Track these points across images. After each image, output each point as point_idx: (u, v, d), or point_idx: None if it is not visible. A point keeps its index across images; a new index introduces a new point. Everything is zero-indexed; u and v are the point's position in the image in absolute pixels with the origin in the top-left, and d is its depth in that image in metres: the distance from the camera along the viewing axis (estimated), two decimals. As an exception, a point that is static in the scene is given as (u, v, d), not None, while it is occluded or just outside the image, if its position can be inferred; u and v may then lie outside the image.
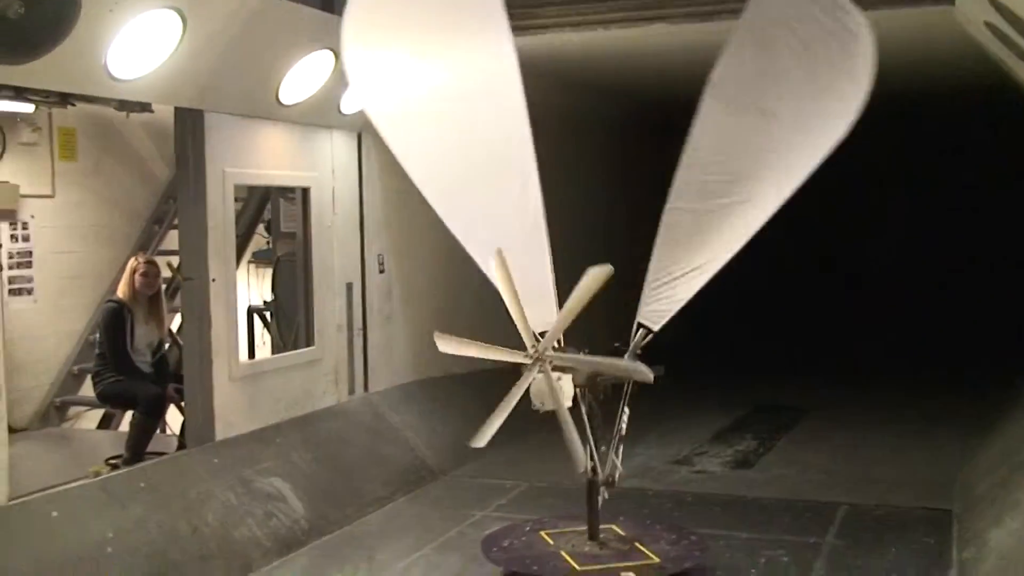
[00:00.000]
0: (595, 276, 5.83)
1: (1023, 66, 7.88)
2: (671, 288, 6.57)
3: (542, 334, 6.31)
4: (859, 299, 18.59)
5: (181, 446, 7.95)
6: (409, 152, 6.65)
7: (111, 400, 8.57)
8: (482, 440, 6.03)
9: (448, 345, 6.04)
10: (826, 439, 10.66)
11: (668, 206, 6.65)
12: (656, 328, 6.68)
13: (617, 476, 6.67)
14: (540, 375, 6.22)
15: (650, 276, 6.67)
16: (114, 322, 8.21)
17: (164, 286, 9.75)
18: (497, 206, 6.74)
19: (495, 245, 6.22)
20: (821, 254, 19.08)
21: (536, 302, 6.32)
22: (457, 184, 6.79)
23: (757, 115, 6.42)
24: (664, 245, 6.65)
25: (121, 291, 8.35)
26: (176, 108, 7.68)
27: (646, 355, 6.80)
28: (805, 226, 18.91)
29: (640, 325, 6.70)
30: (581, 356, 6.34)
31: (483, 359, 6.24)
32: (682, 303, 6.54)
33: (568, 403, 6.32)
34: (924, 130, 17.32)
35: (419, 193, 10.16)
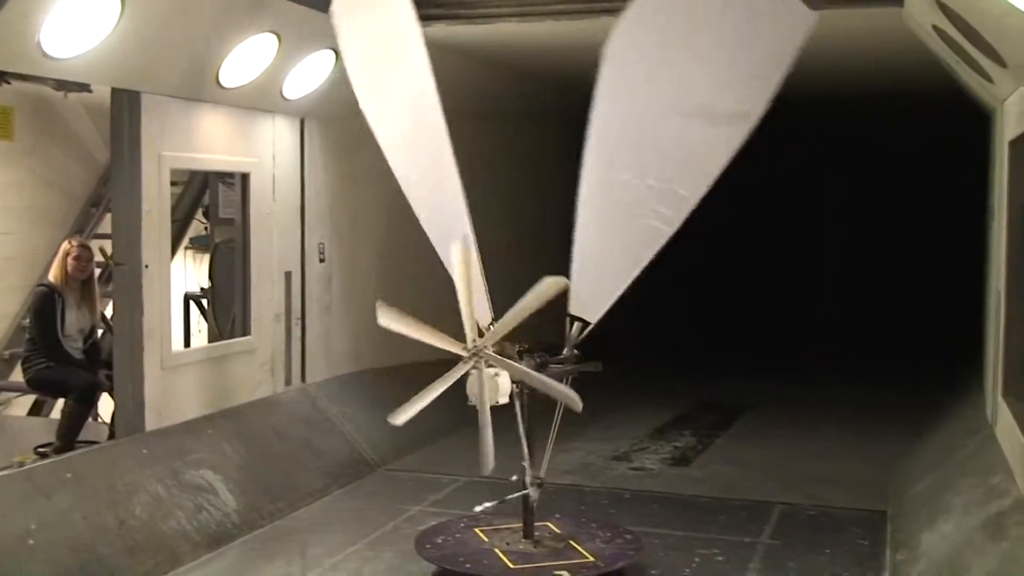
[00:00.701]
0: (550, 285, 5.77)
1: (969, 71, 7.91)
2: (601, 279, 6.48)
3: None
4: (809, 296, 18.73)
5: (113, 435, 7.77)
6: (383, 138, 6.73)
7: (42, 387, 8.38)
8: (400, 418, 6.00)
9: (389, 318, 5.93)
10: (766, 436, 10.70)
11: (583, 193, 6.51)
12: (593, 321, 6.62)
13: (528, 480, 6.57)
14: (477, 370, 6.13)
15: (576, 265, 6.54)
16: (44, 307, 8.01)
17: (99, 271, 9.58)
18: (435, 195, 6.67)
19: (442, 234, 6.21)
20: (772, 251, 19.18)
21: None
22: (410, 173, 6.80)
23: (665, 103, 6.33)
24: (586, 234, 6.54)
25: (53, 275, 8.15)
26: (112, 89, 7.48)
27: (586, 348, 6.76)
28: (754, 223, 19.10)
29: (574, 318, 6.63)
30: (515, 364, 6.23)
31: (425, 351, 6.15)
32: (616, 295, 6.47)
33: (504, 399, 6.25)
34: (874, 129, 17.44)
35: (363, 180, 10.15)
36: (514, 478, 6.58)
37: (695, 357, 15.20)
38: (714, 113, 6.17)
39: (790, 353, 15.81)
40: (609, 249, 6.50)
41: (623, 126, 6.36)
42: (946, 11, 6.64)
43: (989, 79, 7.51)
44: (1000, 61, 6.72)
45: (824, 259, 19.35)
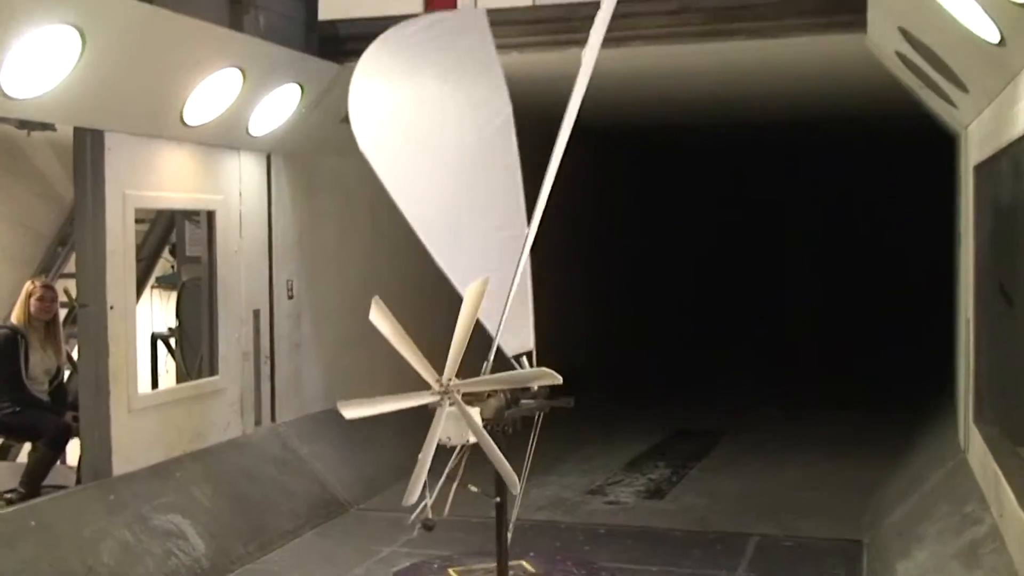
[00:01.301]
0: (475, 292, 5.74)
1: (932, 96, 7.96)
2: (506, 310, 6.52)
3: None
4: (781, 322, 18.79)
5: (79, 480, 7.63)
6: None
7: (10, 432, 8.26)
8: (411, 498, 5.87)
9: (352, 410, 5.92)
10: (740, 465, 10.66)
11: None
12: (531, 347, 6.67)
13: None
14: (451, 408, 6.06)
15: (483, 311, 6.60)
16: (7, 349, 7.88)
17: (67, 311, 9.46)
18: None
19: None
20: (742, 274, 19.25)
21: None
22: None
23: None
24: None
25: (16, 316, 8.03)
26: (75, 128, 7.40)
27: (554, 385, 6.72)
28: (725, 251, 19.18)
29: (517, 357, 6.67)
30: (486, 376, 6.18)
31: (397, 387, 6.07)
32: (530, 314, 6.59)
33: (473, 439, 6.15)
34: (839, 155, 17.55)
35: (332, 215, 10.09)
36: (473, 488, 6.45)
37: (670, 384, 15.17)
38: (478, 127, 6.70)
39: (763, 378, 15.80)
40: (495, 280, 6.53)
41: (417, 181, 6.74)
42: (908, 37, 6.69)
43: (952, 104, 7.56)
44: (962, 87, 6.77)
45: (794, 282, 19.43)
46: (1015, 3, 4.47)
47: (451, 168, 6.98)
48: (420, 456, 5.89)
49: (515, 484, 6.01)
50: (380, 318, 5.81)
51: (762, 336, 18.20)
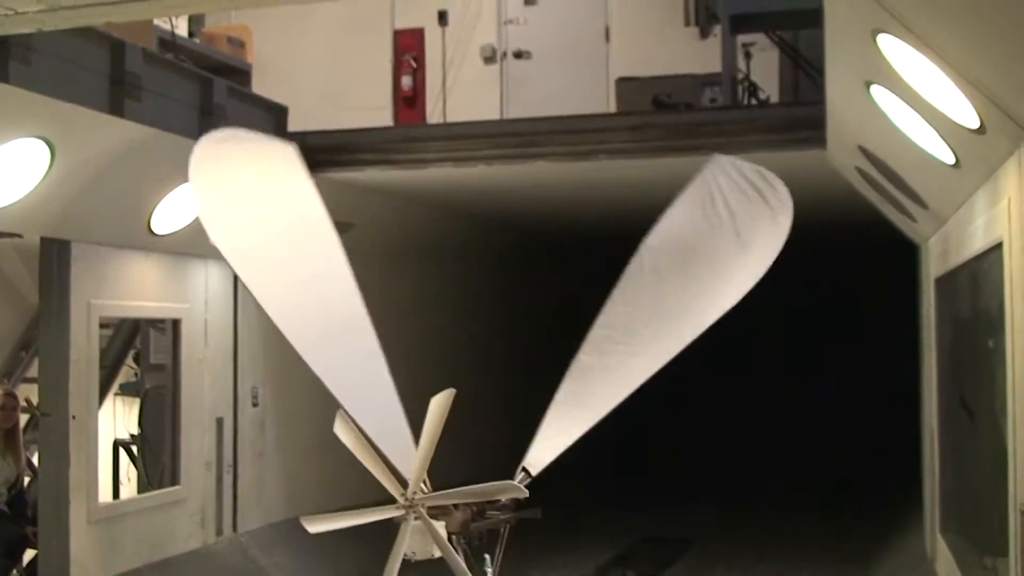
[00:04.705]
0: (440, 404, 5.72)
1: (892, 210, 8.10)
2: (557, 437, 6.45)
3: None
4: (751, 428, 18.77)
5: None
6: (263, 295, 6.50)
7: (-35, 541, 8.07)
8: (314, 527, 5.87)
9: (317, 525, 5.86)
10: (710, 574, 10.54)
11: (577, 360, 6.55)
12: (535, 473, 6.55)
13: None
14: (415, 522, 6.00)
15: (546, 423, 6.50)
16: (-34, 458, 7.77)
17: (28, 417, 9.34)
18: (342, 354, 6.59)
19: (348, 388, 6.22)
20: (711, 386, 19.27)
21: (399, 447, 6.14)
22: (306, 327, 6.58)
23: (677, 276, 6.48)
24: (565, 398, 6.54)
25: (-25, 424, 7.92)
26: (41, 238, 7.41)
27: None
28: (694, 357, 19.25)
29: (523, 468, 6.58)
30: (439, 536, 6.11)
31: (362, 496, 6.04)
32: (560, 451, 6.42)
33: (438, 553, 6.09)
34: (803, 264, 17.72)
35: (297, 323, 10.05)
36: None
37: (640, 490, 15.07)
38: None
39: (732, 482, 15.72)
40: (579, 419, 6.48)
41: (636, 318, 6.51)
42: (868, 155, 6.84)
43: (912, 218, 7.69)
44: (921, 203, 6.90)
45: (763, 387, 19.47)
46: (967, 129, 4.60)
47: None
48: (385, 572, 5.83)
49: None
50: (344, 431, 5.80)
51: (730, 443, 18.17)
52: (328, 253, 6.50)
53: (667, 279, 6.52)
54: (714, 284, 6.39)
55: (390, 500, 6.05)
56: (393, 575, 5.78)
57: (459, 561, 5.92)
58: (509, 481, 5.91)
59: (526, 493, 6.01)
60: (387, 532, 5.91)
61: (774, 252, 6.22)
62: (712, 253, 6.45)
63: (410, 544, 5.98)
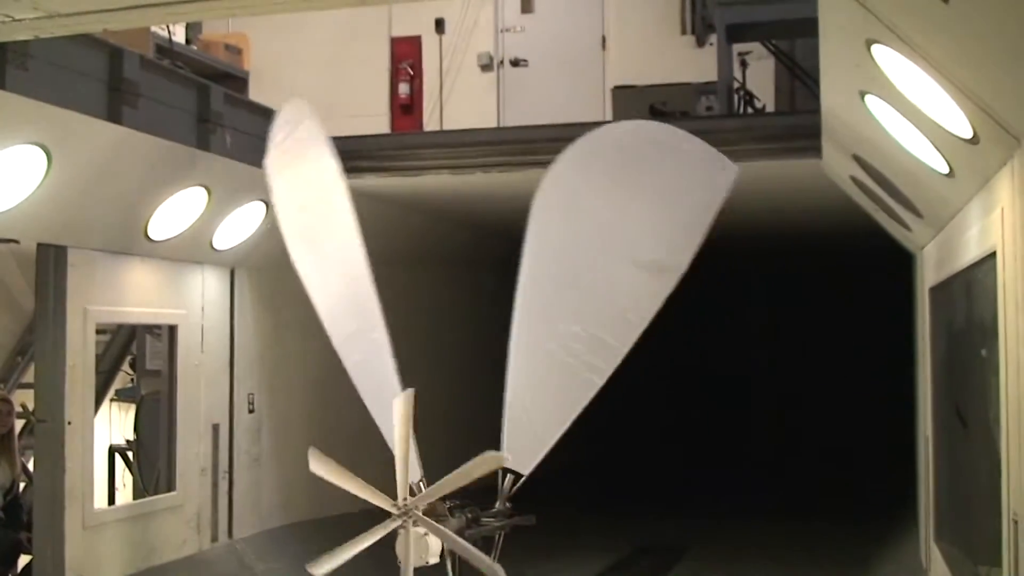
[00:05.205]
0: (488, 460, 5.69)
1: (887, 219, 8.12)
2: (533, 431, 6.43)
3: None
4: (745, 433, 18.79)
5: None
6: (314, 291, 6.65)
7: (-40, 546, 8.07)
8: (320, 570, 5.79)
9: (321, 466, 5.80)
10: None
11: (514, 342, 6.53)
12: (526, 472, 6.56)
13: None
14: (415, 529, 6.00)
15: (508, 416, 6.50)
16: (-39, 464, 7.77)
17: (23, 423, 9.34)
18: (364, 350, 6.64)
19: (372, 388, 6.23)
20: (707, 388, 19.28)
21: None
22: (340, 327, 6.71)
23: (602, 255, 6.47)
24: (518, 385, 6.52)
25: (-30, 429, 7.93)
26: (38, 244, 7.42)
27: (519, 494, 6.66)
28: (689, 362, 19.26)
29: (506, 470, 6.56)
30: (443, 529, 6.10)
31: (359, 501, 6.02)
32: (547, 447, 6.42)
33: (435, 559, 6.09)
34: (798, 272, 17.75)
35: (294, 329, 10.09)
36: None
37: (634, 497, 15.05)
38: (642, 264, 6.27)
39: (725, 488, 15.72)
40: (542, 401, 6.48)
41: (553, 278, 6.44)
42: (863, 164, 6.86)
43: (907, 227, 7.71)
44: (916, 212, 6.92)
45: (756, 393, 19.49)
46: (961, 138, 4.62)
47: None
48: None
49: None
50: (321, 466, 5.78)
51: (726, 450, 18.18)
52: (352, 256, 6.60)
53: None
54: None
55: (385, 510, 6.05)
56: (356, 548, 5.76)
57: (471, 549, 5.91)
58: (489, 452, 5.75)
59: (506, 458, 5.96)
60: (383, 538, 5.93)
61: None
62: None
63: (403, 550, 5.98)
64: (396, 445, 5.89)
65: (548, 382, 6.53)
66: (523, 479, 6.60)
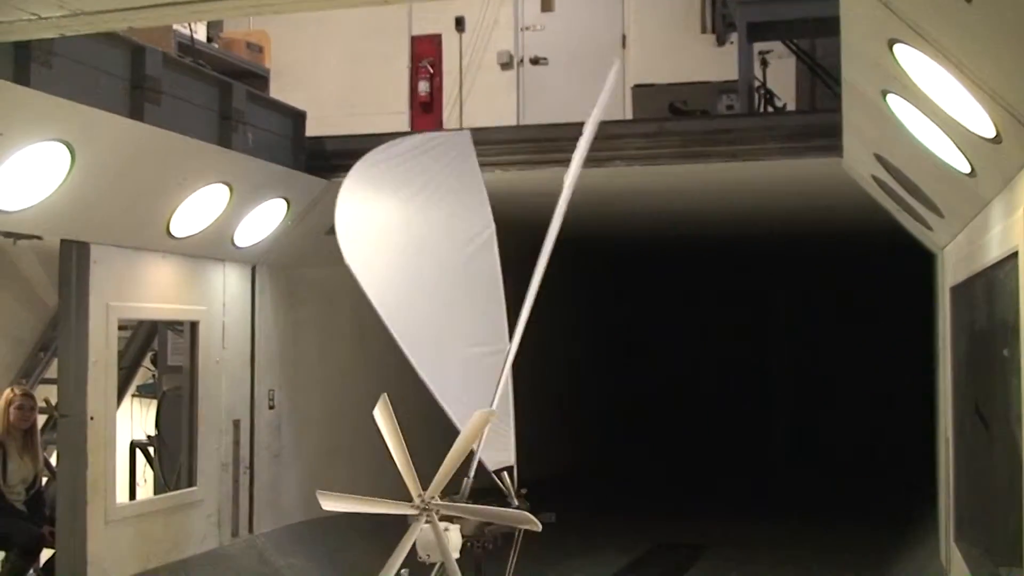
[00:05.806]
0: (480, 416, 5.75)
1: (908, 218, 8.09)
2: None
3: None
4: (764, 431, 18.75)
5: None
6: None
7: (-16, 540, 8.15)
8: None
9: (331, 503, 5.86)
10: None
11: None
12: (512, 461, 6.65)
13: None
14: (427, 526, 6.02)
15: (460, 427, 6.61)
16: (-16, 457, 7.84)
17: (46, 418, 9.40)
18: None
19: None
20: (724, 391, 19.25)
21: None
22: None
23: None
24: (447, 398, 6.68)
25: (-7, 424, 7.99)
26: (61, 240, 7.47)
27: (534, 496, 6.69)
28: (708, 361, 19.23)
29: (498, 472, 6.65)
30: (468, 505, 6.16)
31: (376, 492, 6.05)
32: (511, 429, 6.53)
33: (456, 554, 6.12)
34: (816, 270, 17.71)
35: (315, 326, 10.12)
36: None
37: (651, 494, 15.05)
38: (463, 244, 6.96)
39: (746, 487, 15.70)
40: (473, 397, 6.54)
41: (401, 295, 6.79)
42: (884, 163, 6.84)
43: (928, 227, 7.68)
44: (937, 211, 6.90)
45: (779, 393, 19.44)
46: (983, 138, 4.60)
47: (434, 284, 7.07)
48: (386, 566, 5.84)
49: (536, 524, 5.91)
50: (383, 417, 5.79)
51: (746, 448, 18.15)
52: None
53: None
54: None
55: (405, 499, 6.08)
56: (394, 570, 5.79)
57: (456, 570, 5.96)
58: (523, 512, 5.96)
59: (539, 526, 6.00)
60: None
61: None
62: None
63: (426, 546, 6.01)
64: (453, 451, 5.93)
65: (468, 383, 6.75)
66: (515, 467, 6.72)
